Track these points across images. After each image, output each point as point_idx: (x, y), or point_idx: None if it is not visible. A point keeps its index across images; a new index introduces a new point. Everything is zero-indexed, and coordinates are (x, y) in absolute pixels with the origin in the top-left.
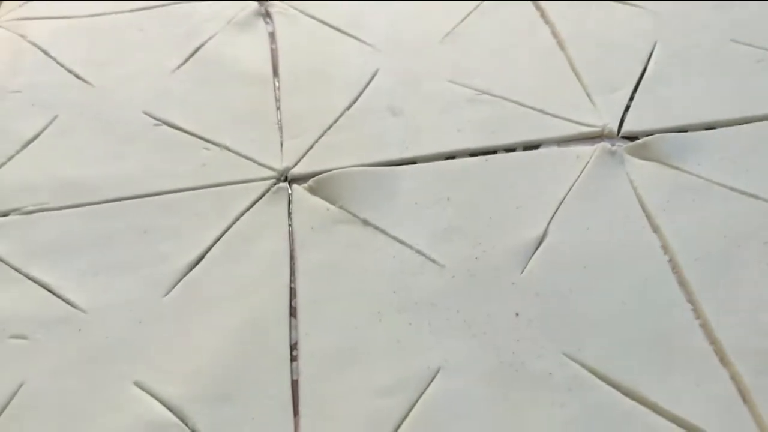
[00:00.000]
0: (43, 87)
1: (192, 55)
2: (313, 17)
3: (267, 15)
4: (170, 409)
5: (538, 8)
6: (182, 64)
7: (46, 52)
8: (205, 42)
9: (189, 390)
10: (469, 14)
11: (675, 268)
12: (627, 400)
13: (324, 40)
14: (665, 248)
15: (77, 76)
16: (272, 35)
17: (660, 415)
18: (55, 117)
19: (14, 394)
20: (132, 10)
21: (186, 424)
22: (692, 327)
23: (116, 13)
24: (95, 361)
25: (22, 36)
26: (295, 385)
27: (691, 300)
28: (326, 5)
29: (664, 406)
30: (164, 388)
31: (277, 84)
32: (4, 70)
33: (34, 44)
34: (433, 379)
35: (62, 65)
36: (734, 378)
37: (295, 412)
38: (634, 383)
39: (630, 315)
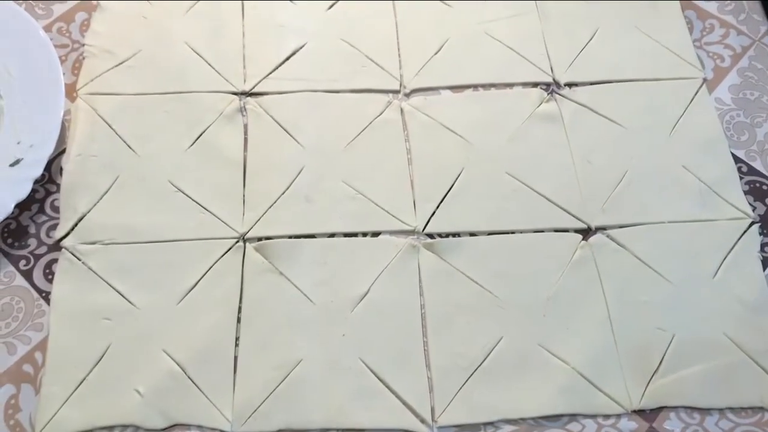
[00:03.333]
0: (109, 153)
1: (197, 138)
2: (271, 116)
3: (244, 109)
4: (178, 365)
5: (405, 129)
6: (191, 146)
7: (109, 125)
8: (206, 129)
9: (187, 355)
10: (363, 129)
11: (423, 317)
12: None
13: (276, 136)
14: (422, 306)
15: (129, 146)
16: (246, 127)
17: None
18: (117, 177)
19: (105, 352)
20: (162, 93)
21: (186, 373)
22: (420, 350)
23: (151, 94)
24: (142, 336)
25: (95, 109)
26: (235, 359)
27: (425, 334)
28: (279, 107)
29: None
30: (176, 352)
31: (245, 168)
32: (86, 137)
33: (102, 117)
34: (298, 363)
35: (120, 137)
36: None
37: (235, 372)
38: (384, 374)
39: (394, 337)
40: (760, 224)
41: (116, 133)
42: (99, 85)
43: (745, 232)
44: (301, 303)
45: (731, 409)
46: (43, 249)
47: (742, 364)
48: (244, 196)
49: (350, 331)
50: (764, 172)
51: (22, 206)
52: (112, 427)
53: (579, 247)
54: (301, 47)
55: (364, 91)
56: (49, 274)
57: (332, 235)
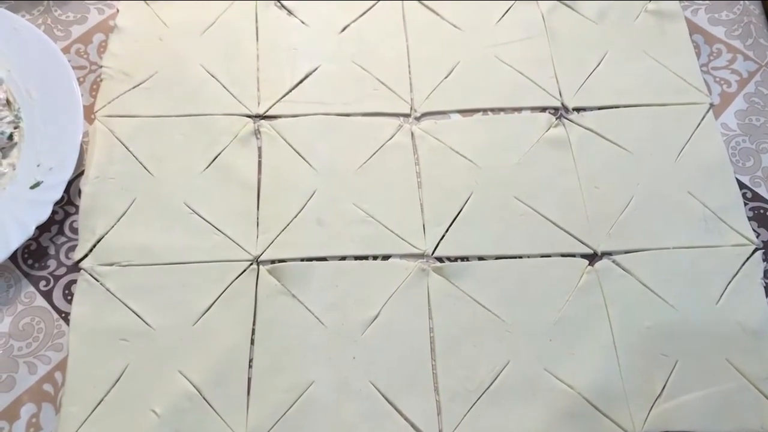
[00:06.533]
0: (126, 175)
1: (213, 161)
2: (284, 139)
3: (258, 132)
4: (194, 386)
5: (415, 153)
6: (206, 168)
7: (126, 147)
8: (221, 152)
9: (202, 376)
10: (374, 153)
11: (432, 340)
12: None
13: (289, 159)
14: (431, 329)
15: (145, 168)
16: (260, 150)
17: None
18: (134, 199)
19: (123, 372)
20: (178, 115)
21: (201, 394)
22: (428, 373)
23: (167, 116)
24: (157, 357)
25: (112, 131)
26: (249, 380)
27: (433, 357)
28: (293, 130)
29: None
30: (191, 373)
31: (259, 191)
32: (104, 160)
33: (119, 139)
34: (310, 385)
35: (137, 158)
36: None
37: (248, 393)
38: (394, 397)
39: (403, 360)
40: (763, 251)
41: (133, 155)
42: (116, 107)
43: (748, 258)
44: (312, 326)
45: None
46: (63, 270)
47: (743, 390)
48: (257, 218)
49: (360, 354)
50: None
51: (42, 228)
52: None
53: (585, 273)
54: (314, 70)
55: (376, 114)
56: (68, 295)
57: (343, 258)
